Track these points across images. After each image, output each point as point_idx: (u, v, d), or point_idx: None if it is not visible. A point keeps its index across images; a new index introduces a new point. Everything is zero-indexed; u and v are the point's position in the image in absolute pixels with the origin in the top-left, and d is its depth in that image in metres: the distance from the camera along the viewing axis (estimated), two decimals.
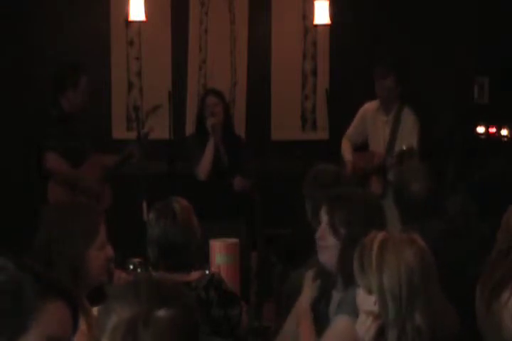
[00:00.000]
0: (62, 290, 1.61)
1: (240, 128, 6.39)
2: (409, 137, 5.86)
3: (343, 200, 3.03)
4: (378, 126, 6.02)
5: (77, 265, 2.80)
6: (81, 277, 2.80)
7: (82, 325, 2.68)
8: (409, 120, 5.94)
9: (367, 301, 2.45)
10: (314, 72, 7.08)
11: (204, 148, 5.71)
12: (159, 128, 6.20)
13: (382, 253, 2.43)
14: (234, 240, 3.88)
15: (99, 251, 2.87)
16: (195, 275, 3.30)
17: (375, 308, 2.43)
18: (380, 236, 2.49)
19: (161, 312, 1.72)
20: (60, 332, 1.59)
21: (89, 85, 5.76)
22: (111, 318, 1.73)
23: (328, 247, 2.97)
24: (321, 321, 2.99)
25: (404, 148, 5.67)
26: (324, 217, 3.01)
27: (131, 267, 3.52)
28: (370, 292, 2.44)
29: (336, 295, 2.99)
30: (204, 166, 5.69)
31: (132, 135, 6.19)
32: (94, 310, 2.97)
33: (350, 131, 6.13)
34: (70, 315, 1.62)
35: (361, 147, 6.15)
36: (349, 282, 2.81)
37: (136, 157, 5.83)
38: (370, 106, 6.07)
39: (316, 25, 6.76)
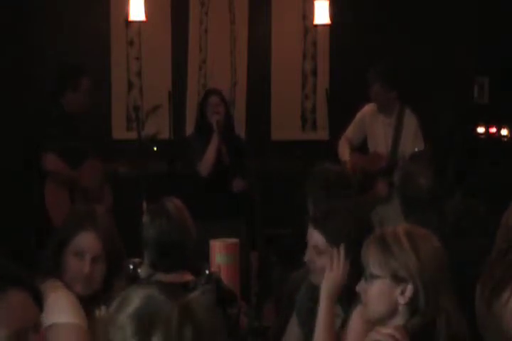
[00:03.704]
0: (18, 281, 1.62)
1: (240, 128, 6.39)
2: (414, 140, 5.87)
3: (331, 214, 3.00)
4: (379, 128, 6.01)
5: (55, 262, 2.80)
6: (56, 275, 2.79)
7: (82, 321, 2.68)
8: (412, 122, 5.94)
9: (394, 291, 2.39)
10: (314, 72, 7.08)
11: (206, 145, 5.69)
12: (159, 129, 6.21)
13: (413, 240, 2.40)
14: (234, 240, 3.88)
15: (73, 258, 2.80)
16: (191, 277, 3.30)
17: (401, 299, 2.39)
18: (400, 228, 2.45)
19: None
20: (23, 320, 1.60)
21: (90, 86, 5.75)
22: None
23: (320, 268, 2.93)
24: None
25: (417, 149, 5.68)
26: (313, 239, 2.97)
27: (131, 267, 3.52)
28: (397, 279, 2.38)
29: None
30: (207, 161, 5.65)
31: (132, 135, 6.20)
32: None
33: (349, 133, 6.11)
34: (31, 300, 1.62)
35: (359, 149, 6.14)
36: (352, 297, 2.78)
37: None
38: (369, 108, 6.07)
39: (316, 25, 6.76)
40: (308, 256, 2.99)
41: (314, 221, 3.01)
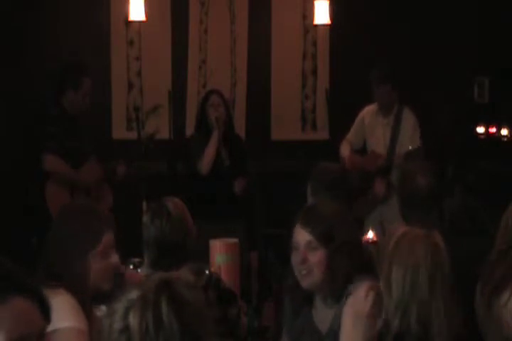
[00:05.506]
0: (23, 287, 1.60)
1: (240, 128, 6.39)
2: (412, 138, 5.87)
3: (317, 215, 3.00)
4: (378, 129, 6.01)
5: (75, 268, 2.74)
6: (81, 281, 2.76)
7: (84, 325, 2.68)
8: (410, 121, 5.95)
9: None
10: (314, 72, 7.08)
11: (207, 145, 5.68)
12: (159, 128, 6.21)
13: (397, 245, 2.52)
14: (234, 240, 3.88)
15: (101, 259, 2.78)
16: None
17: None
18: (400, 230, 2.57)
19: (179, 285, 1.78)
20: (24, 328, 1.58)
21: (91, 86, 5.74)
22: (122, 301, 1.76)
23: (310, 271, 2.94)
24: (308, 328, 3.00)
25: (411, 148, 5.68)
26: (304, 238, 2.96)
27: (131, 267, 3.52)
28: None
29: (325, 310, 2.97)
30: (207, 157, 5.63)
31: (132, 135, 6.20)
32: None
33: (351, 135, 6.12)
34: (36, 310, 1.61)
35: (360, 151, 6.14)
36: (339, 295, 2.82)
37: (120, 175, 5.81)
38: (369, 109, 6.07)
39: (316, 25, 6.76)
40: (299, 256, 2.95)
41: (301, 219, 3.00)
